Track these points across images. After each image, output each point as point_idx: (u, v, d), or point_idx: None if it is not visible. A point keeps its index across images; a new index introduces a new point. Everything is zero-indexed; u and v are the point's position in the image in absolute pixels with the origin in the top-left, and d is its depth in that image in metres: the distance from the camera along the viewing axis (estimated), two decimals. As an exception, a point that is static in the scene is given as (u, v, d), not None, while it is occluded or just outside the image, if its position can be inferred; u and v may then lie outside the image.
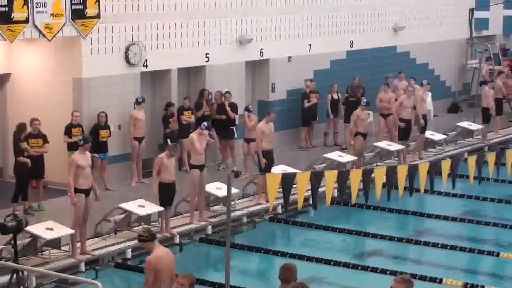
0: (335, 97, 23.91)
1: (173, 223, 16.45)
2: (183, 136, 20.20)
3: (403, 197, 15.24)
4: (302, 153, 22.88)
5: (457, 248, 16.07)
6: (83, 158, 14.79)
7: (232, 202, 16.72)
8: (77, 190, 14.69)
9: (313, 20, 24.12)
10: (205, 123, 17.44)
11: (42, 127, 17.43)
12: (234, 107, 21.17)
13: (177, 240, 16.15)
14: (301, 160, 21.53)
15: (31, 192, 17.26)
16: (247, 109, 20.21)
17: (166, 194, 15.91)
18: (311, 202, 16.78)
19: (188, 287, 8.74)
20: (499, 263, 15.82)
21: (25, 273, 12.31)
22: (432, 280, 14.30)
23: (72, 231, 14.72)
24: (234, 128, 21.11)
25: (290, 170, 17.79)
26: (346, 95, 23.99)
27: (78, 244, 14.80)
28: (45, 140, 17.26)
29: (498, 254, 15.85)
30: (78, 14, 18.08)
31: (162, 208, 16.06)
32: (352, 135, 20.98)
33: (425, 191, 15.19)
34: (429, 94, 27.08)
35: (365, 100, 21.12)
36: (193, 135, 16.96)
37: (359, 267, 14.99)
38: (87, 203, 14.82)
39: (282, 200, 13.75)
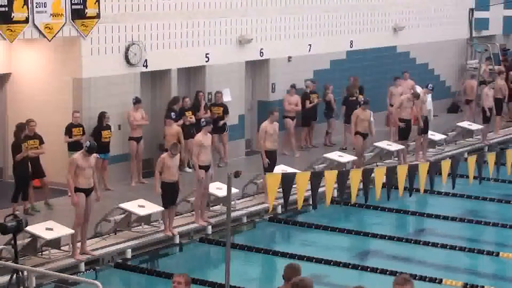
0: (328, 98, 23.91)
1: (173, 223, 16.43)
2: (185, 137, 20.19)
3: (403, 197, 15.24)
4: (302, 153, 22.86)
5: (457, 248, 16.07)
6: (85, 159, 14.78)
7: (232, 202, 16.71)
8: (77, 189, 14.70)
9: (313, 20, 24.12)
10: (203, 120, 17.49)
11: (42, 127, 17.45)
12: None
13: (177, 240, 16.15)
14: (301, 160, 21.52)
15: (35, 193, 17.26)
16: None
17: (168, 194, 15.91)
18: (311, 202, 16.82)
19: (184, 285, 8.70)
20: (499, 263, 15.81)
21: (25, 273, 12.31)
22: (432, 280, 14.29)
23: (72, 231, 14.72)
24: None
25: (290, 170, 17.79)
26: (345, 95, 23.98)
27: (78, 244, 14.80)
28: (41, 141, 17.28)
29: (498, 254, 15.84)
30: (78, 14, 18.09)
31: (162, 208, 16.07)
32: (353, 135, 20.95)
33: (425, 191, 15.19)
34: (429, 94, 27.10)
35: (362, 99, 21.04)
36: (199, 137, 16.91)
37: (359, 267, 14.99)
38: (88, 203, 14.82)
39: (282, 200, 13.76)
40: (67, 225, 14.97)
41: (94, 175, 15.01)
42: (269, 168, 17.67)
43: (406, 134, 21.85)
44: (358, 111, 20.87)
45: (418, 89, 26.23)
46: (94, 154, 15.16)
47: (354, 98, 23.66)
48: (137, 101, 19.25)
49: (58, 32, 17.77)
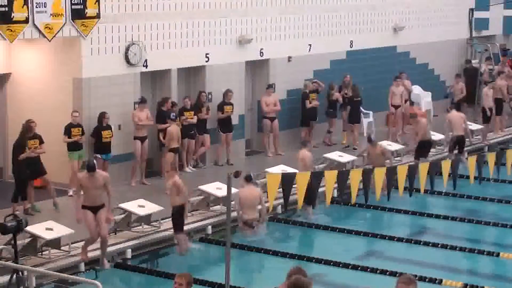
0: (335, 97, 23.93)
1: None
2: (184, 137, 20.20)
3: (403, 197, 15.23)
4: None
5: (457, 248, 16.07)
6: (90, 179, 14.49)
7: (232, 202, 16.70)
8: (83, 206, 14.55)
9: (313, 20, 24.12)
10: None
11: (42, 127, 17.44)
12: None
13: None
14: (301, 160, 21.49)
15: (38, 192, 17.25)
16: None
17: (174, 217, 15.66)
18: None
19: (186, 286, 8.69)
20: (499, 264, 15.80)
21: (25, 273, 12.32)
22: (432, 280, 14.28)
23: (72, 231, 14.73)
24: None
25: (290, 170, 17.78)
26: (350, 95, 23.96)
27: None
28: (41, 141, 17.27)
29: (498, 254, 15.83)
30: (78, 14, 18.09)
31: (162, 208, 16.07)
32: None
33: (425, 191, 15.17)
34: (429, 94, 27.11)
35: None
36: None
37: (359, 268, 14.98)
38: (98, 220, 14.52)
39: (282, 200, 13.74)
40: (67, 225, 14.97)
41: (107, 194, 14.64)
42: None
43: (424, 154, 21.18)
44: (368, 147, 20.06)
45: (418, 90, 26.28)
46: (103, 173, 14.98)
47: (359, 98, 23.73)
48: (142, 101, 19.27)
49: (58, 32, 17.78)
